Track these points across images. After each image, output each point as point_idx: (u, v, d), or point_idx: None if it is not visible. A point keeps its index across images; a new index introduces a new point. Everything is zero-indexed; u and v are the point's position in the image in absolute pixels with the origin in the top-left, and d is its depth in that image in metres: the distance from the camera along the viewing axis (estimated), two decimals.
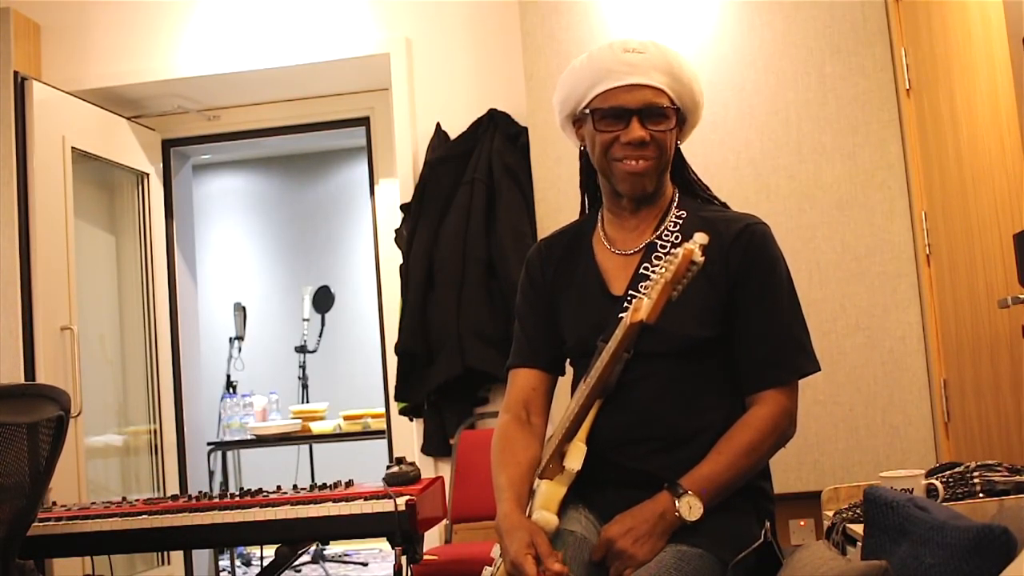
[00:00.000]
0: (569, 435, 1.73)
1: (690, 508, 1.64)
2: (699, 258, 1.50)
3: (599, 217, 1.93)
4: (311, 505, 2.45)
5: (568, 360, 1.95)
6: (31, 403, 2.32)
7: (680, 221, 1.83)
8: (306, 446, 5.86)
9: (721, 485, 1.68)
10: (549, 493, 1.73)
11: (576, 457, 1.70)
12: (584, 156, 1.92)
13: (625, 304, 1.74)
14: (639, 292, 1.65)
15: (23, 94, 3.99)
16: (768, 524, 1.76)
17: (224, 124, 4.92)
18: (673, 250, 1.54)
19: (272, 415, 5.46)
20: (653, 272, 1.61)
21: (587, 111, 1.81)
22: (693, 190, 1.92)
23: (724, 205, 1.93)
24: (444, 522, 3.43)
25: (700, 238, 1.52)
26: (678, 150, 1.90)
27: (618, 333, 1.63)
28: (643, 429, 1.73)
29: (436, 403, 3.94)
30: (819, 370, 1.80)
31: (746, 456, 1.71)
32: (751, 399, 1.77)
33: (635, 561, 1.62)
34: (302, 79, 4.54)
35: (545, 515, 1.71)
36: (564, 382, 1.98)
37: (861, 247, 3.27)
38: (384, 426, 4.66)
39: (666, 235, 1.81)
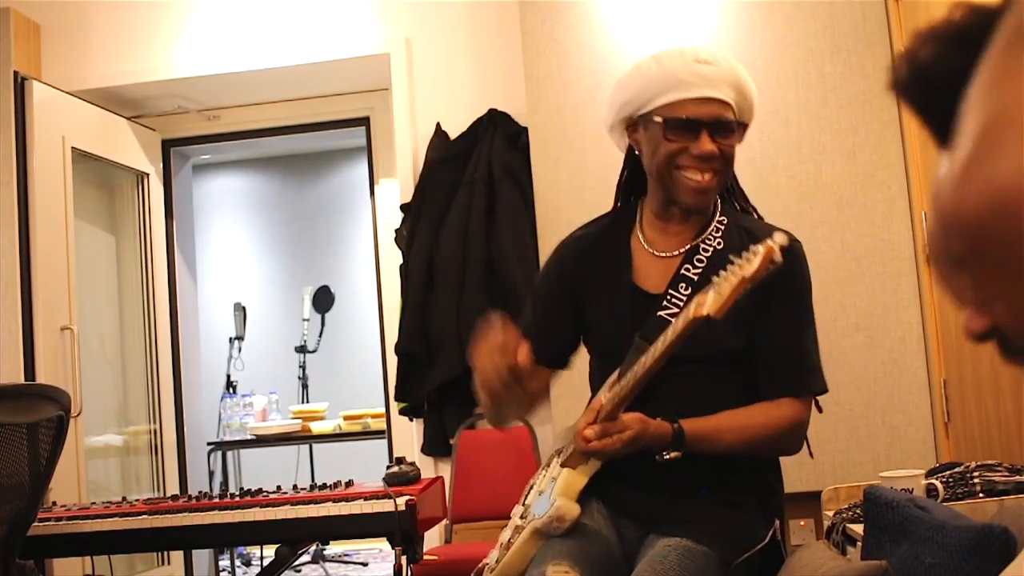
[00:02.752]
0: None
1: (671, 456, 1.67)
2: (778, 257, 1.50)
3: (638, 216, 1.91)
4: (311, 505, 2.45)
5: (590, 357, 1.93)
6: (31, 403, 2.33)
7: (722, 227, 1.84)
8: (306, 446, 5.85)
9: (703, 445, 1.69)
10: (571, 481, 1.75)
11: None
12: (633, 159, 1.91)
13: (664, 303, 1.75)
14: (679, 292, 1.69)
15: (23, 94, 3.99)
16: (777, 523, 1.77)
17: (224, 124, 4.91)
18: (753, 247, 1.51)
19: (272, 415, 5.45)
20: (698, 272, 1.66)
21: (656, 118, 1.77)
22: (734, 198, 1.93)
23: (759, 216, 1.94)
24: (444, 522, 3.43)
25: (780, 238, 1.52)
26: None
27: (679, 324, 1.60)
28: None
29: (436, 403, 3.94)
30: (827, 391, 1.81)
31: (739, 432, 1.72)
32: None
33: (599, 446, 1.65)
34: (302, 79, 4.54)
35: (567, 503, 1.72)
36: (567, 376, 1.99)
37: (861, 247, 3.27)
38: (384, 426, 4.65)
39: (708, 240, 1.82)
